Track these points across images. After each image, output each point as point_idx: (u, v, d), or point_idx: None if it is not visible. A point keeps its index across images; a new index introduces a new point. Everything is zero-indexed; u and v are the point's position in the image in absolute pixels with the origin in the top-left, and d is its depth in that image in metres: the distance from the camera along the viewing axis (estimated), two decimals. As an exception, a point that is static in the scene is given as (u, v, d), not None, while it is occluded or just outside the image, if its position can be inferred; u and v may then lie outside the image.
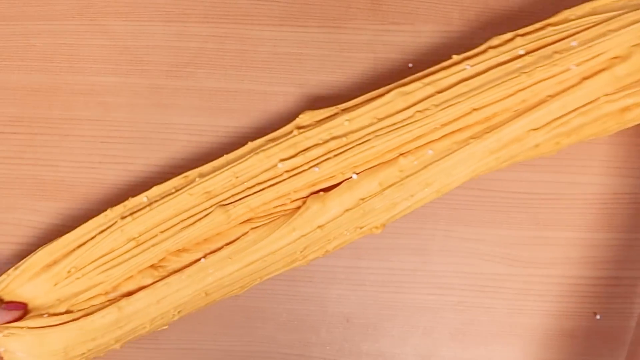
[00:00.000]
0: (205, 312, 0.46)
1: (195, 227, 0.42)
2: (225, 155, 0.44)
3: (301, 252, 0.43)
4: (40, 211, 0.48)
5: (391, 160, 0.42)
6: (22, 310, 0.42)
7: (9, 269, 0.43)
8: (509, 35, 0.43)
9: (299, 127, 0.43)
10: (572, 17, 0.42)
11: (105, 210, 0.44)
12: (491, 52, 0.42)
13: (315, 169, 0.41)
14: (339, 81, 0.49)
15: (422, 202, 0.43)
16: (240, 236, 0.42)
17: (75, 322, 0.41)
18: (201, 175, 0.43)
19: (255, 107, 0.49)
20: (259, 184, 0.42)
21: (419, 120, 0.41)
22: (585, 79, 0.41)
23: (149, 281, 0.42)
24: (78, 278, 0.42)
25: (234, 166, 0.42)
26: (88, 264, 0.42)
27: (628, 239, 0.48)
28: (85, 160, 0.48)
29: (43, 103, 0.49)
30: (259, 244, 0.42)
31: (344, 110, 0.43)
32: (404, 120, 0.41)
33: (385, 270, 0.48)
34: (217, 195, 0.42)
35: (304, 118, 0.44)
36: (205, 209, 0.42)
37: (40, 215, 0.48)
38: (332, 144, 0.42)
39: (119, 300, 0.42)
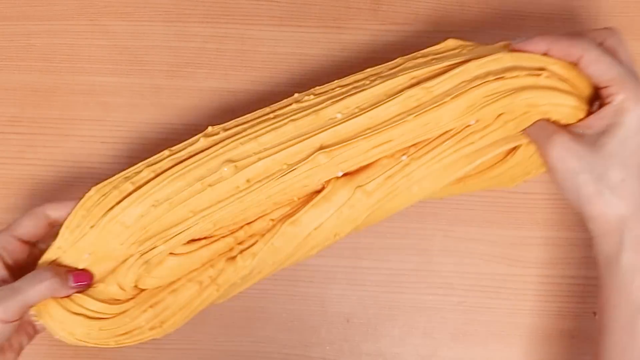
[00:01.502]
0: (206, 312, 0.46)
1: (297, 171, 0.38)
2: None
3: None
4: (40, 211, 0.48)
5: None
6: (85, 286, 0.39)
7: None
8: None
9: None
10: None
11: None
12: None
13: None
14: (339, 81, 0.49)
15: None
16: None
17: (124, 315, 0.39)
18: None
19: (255, 107, 0.49)
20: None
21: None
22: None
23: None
24: (166, 211, 0.38)
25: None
26: (177, 200, 0.38)
27: (628, 239, 0.48)
28: (85, 160, 0.48)
29: (43, 103, 0.49)
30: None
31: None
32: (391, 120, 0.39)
33: (385, 270, 0.48)
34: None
35: None
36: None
37: (40, 215, 0.48)
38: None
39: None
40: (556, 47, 0.38)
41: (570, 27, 0.49)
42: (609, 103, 0.37)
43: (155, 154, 0.49)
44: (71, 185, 0.48)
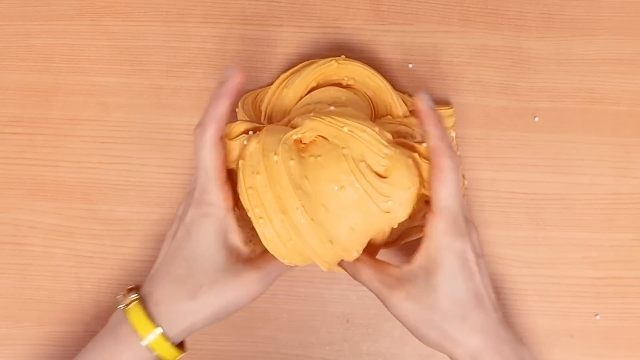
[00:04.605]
0: (206, 312, 0.46)
1: None
2: None
3: None
4: (40, 211, 0.48)
5: None
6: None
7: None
8: None
9: None
10: None
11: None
12: None
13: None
14: (339, 81, 0.49)
15: None
16: None
17: None
18: None
19: (255, 107, 0.49)
20: None
21: None
22: None
23: None
24: None
25: None
26: None
27: (628, 239, 0.48)
28: (85, 160, 0.48)
29: (43, 103, 0.49)
30: None
31: None
32: None
33: (385, 270, 0.48)
34: None
35: None
36: None
37: (40, 215, 0.48)
38: None
39: None
40: (437, 144, 0.37)
41: (570, 27, 0.49)
42: (427, 236, 0.37)
43: (155, 154, 0.49)
44: (71, 186, 0.48)
